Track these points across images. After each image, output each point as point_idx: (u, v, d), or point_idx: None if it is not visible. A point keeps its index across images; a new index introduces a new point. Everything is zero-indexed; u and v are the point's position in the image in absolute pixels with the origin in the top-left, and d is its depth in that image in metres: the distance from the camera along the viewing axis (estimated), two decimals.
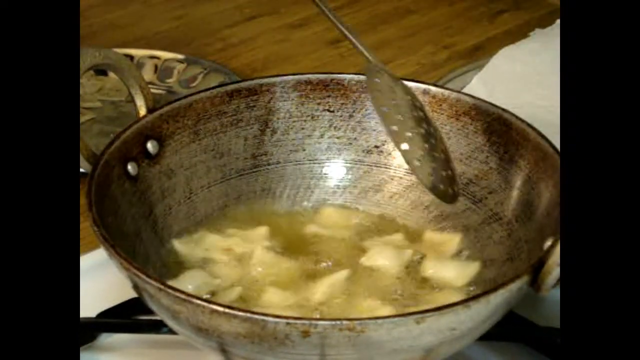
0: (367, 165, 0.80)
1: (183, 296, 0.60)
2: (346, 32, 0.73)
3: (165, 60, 1.05)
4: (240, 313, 0.59)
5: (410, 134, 0.69)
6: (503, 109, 0.75)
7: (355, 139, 0.80)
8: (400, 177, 0.79)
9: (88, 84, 1.02)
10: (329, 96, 0.79)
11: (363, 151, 0.80)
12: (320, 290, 0.71)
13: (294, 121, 0.80)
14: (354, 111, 0.80)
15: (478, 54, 1.08)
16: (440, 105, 0.77)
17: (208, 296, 0.70)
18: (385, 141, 0.79)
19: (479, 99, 0.77)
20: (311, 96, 0.79)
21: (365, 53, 0.73)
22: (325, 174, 0.80)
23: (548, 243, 0.64)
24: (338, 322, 0.59)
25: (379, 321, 0.59)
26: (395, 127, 0.69)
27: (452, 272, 0.73)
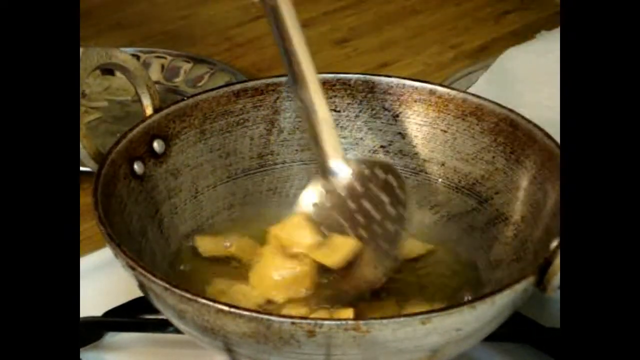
0: None
1: (189, 295, 0.60)
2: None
3: (172, 59, 1.05)
4: (246, 312, 0.59)
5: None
6: (509, 109, 0.75)
7: (361, 139, 0.80)
8: (406, 178, 0.79)
9: (95, 84, 1.02)
10: (335, 96, 0.79)
11: (369, 151, 0.80)
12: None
13: (300, 121, 0.79)
14: (360, 111, 0.80)
15: (484, 54, 1.08)
16: (447, 105, 0.77)
17: None
18: (391, 141, 0.79)
19: (485, 99, 0.77)
20: None
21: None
22: None
23: (554, 244, 0.64)
24: (343, 322, 0.59)
25: (384, 321, 0.59)
26: None
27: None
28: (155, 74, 1.03)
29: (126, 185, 0.72)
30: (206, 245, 0.75)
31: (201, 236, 0.75)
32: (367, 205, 0.71)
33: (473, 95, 0.78)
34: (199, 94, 0.78)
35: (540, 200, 0.72)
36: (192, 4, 1.19)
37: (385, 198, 0.71)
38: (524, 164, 0.74)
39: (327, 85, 0.79)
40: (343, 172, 0.73)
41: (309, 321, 0.59)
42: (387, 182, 0.72)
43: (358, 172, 0.73)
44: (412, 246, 0.75)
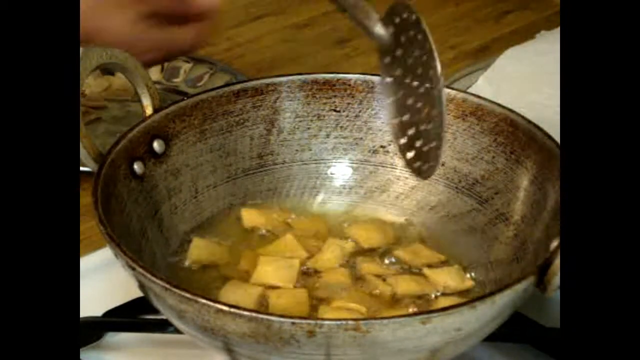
0: (373, 165, 0.80)
1: (188, 295, 0.60)
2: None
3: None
4: (246, 312, 0.59)
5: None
6: (509, 109, 0.75)
7: (361, 138, 0.80)
8: (407, 177, 0.79)
9: (95, 84, 1.02)
10: (335, 96, 0.79)
11: (369, 151, 0.80)
12: None
13: (300, 121, 0.80)
14: (360, 111, 0.80)
15: (484, 54, 1.08)
16: (447, 105, 0.77)
17: None
18: (391, 141, 0.79)
19: (485, 99, 0.77)
20: (317, 96, 0.79)
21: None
22: (331, 174, 0.80)
23: (554, 244, 0.64)
24: (343, 322, 0.59)
25: (385, 321, 0.59)
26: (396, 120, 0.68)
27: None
28: (155, 74, 1.02)
29: (126, 185, 0.72)
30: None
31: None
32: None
33: (473, 95, 0.78)
34: (199, 94, 0.78)
35: (540, 200, 0.72)
36: None
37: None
38: (524, 164, 0.74)
39: (327, 85, 0.79)
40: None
41: (309, 321, 0.59)
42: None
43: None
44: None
